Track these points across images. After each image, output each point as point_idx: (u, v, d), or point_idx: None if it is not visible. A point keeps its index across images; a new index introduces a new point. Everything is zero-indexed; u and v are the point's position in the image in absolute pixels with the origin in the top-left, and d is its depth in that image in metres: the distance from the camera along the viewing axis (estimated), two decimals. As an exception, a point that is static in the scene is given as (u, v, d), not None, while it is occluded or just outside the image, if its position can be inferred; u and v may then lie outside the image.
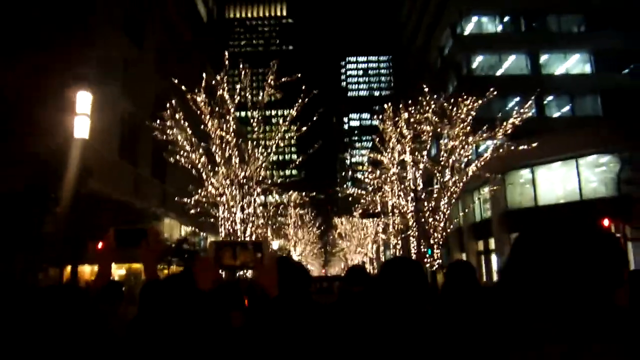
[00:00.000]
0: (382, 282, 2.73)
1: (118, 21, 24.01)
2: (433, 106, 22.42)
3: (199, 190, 20.47)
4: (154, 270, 2.36)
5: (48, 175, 17.03)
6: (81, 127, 12.35)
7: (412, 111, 23.04)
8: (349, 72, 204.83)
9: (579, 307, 1.17)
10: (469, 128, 21.76)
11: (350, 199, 37.85)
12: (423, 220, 22.35)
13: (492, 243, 30.28)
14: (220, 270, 2.23)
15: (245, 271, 14.97)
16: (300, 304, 2.60)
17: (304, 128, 21.30)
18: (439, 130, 22.68)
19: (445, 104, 22.37)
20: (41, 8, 20.78)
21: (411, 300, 2.58)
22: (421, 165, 23.12)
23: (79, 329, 1.53)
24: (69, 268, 13.83)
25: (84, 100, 12.63)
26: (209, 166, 19.98)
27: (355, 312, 3.00)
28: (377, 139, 25.93)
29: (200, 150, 19.91)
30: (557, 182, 27.61)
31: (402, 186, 23.93)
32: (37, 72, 20.16)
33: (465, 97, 21.98)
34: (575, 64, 38.51)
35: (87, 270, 18.70)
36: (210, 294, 2.15)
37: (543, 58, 38.35)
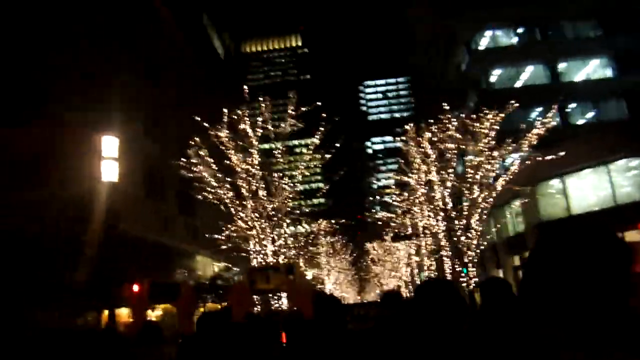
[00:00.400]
0: (416, 305, 2.69)
1: (138, 65, 24.58)
2: (455, 123, 22.32)
3: (229, 225, 20.57)
4: (188, 324, 2.34)
5: (79, 220, 17.30)
6: (109, 170, 12.58)
7: (434, 130, 22.95)
8: (368, 97, 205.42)
9: (594, 314, 1.15)
10: (493, 142, 21.56)
11: (380, 223, 37.66)
12: (455, 239, 22.07)
13: (528, 257, 29.64)
14: (254, 296, 2.21)
15: (281, 304, 14.91)
16: (335, 330, 2.56)
17: (328, 155, 21.37)
18: (463, 147, 22.53)
19: (466, 120, 22.24)
20: (62, 56, 21.37)
21: (446, 321, 2.53)
22: (448, 184, 22.92)
23: None
24: (106, 312, 13.97)
25: (109, 144, 12.91)
26: (237, 200, 20.09)
27: (390, 336, 2.96)
28: (402, 160, 25.83)
29: (227, 185, 20.05)
30: (588, 189, 27.08)
31: (431, 206, 23.72)
32: (62, 119, 20.68)
33: (486, 111, 21.84)
34: (595, 68, 38.03)
35: (125, 313, 18.82)
36: (248, 329, 2.13)
37: (561, 66, 37.98)
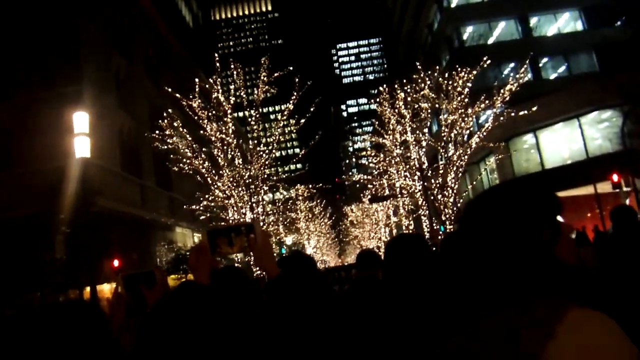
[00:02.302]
0: (387, 260, 2.73)
1: (106, 37, 24.00)
2: (428, 82, 22.32)
3: (207, 195, 20.51)
4: None
5: (55, 198, 17.10)
6: (81, 146, 12.37)
7: (408, 90, 22.94)
8: (341, 59, 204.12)
9: (519, 266, 1.18)
10: (466, 100, 21.64)
11: (357, 185, 37.79)
12: (432, 197, 22.30)
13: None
14: (218, 258, 2.18)
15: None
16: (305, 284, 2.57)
17: (302, 120, 21.26)
18: (437, 106, 22.59)
19: (440, 79, 22.25)
20: (28, 32, 20.81)
21: (417, 272, 2.56)
22: (424, 143, 23.05)
23: (92, 343, 1.51)
24: (88, 289, 13.92)
25: (81, 120, 12.66)
26: (213, 170, 19.99)
27: (369, 295, 2.99)
28: (377, 122, 25.85)
29: (203, 156, 19.92)
30: (561, 143, 27.50)
31: (408, 166, 23.87)
32: (31, 97, 20.26)
33: (459, 69, 21.86)
34: (566, 22, 38.13)
35: (106, 289, 18.81)
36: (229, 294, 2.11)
37: (533, 20, 37.99)
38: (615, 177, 20.36)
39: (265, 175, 21.33)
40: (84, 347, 1.44)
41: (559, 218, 1.27)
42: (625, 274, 3.72)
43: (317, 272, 3.15)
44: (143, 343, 1.11)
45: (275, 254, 2.28)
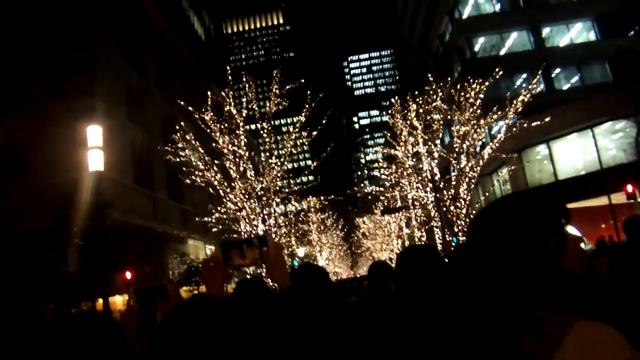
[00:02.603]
0: (398, 271, 2.73)
1: (117, 51, 24.25)
2: (440, 94, 22.29)
3: (219, 207, 20.56)
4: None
5: (68, 210, 17.23)
6: (95, 159, 12.47)
7: (420, 101, 22.92)
8: (352, 71, 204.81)
9: (526, 276, 1.18)
10: (479, 111, 21.58)
11: (369, 197, 37.73)
12: (444, 209, 22.19)
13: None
14: (230, 270, 2.18)
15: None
16: (316, 300, 2.56)
17: (314, 132, 21.31)
18: (449, 117, 22.55)
19: (452, 90, 22.22)
20: (42, 47, 21.10)
21: (428, 283, 2.56)
22: (436, 155, 22.98)
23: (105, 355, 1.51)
24: (100, 301, 13.97)
25: (94, 133, 12.78)
26: (225, 182, 20.05)
27: (380, 307, 2.99)
28: (389, 134, 25.83)
29: (215, 168, 19.99)
30: (574, 153, 27.29)
31: (420, 178, 23.80)
32: (45, 111, 20.49)
33: (471, 80, 21.82)
34: (578, 32, 38.01)
35: (119, 301, 18.86)
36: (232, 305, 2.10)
37: (545, 31, 37.92)
38: (629, 188, 20.14)
39: (277, 188, 21.36)
40: (99, 358, 1.45)
41: (569, 228, 1.27)
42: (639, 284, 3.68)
43: (328, 285, 3.14)
44: (153, 355, 1.11)
45: (287, 266, 2.28)
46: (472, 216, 22.26)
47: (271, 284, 15.78)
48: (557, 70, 36.27)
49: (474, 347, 1.17)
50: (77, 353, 1.43)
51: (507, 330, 1.12)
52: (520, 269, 1.19)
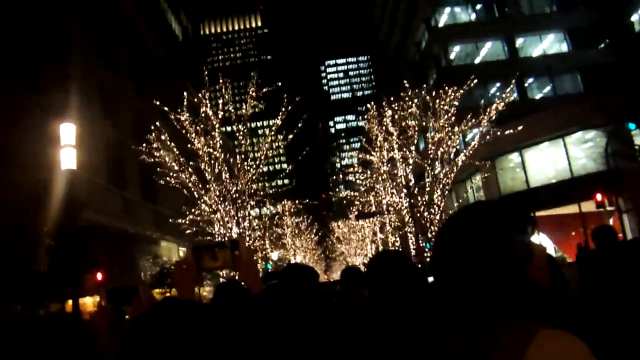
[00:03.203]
0: (370, 276, 2.75)
1: (91, 48, 23.92)
2: (415, 100, 22.47)
3: (193, 209, 20.39)
4: None
5: (38, 209, 16.92)
6: (68, 158, 12.28)
7: (396, 108, 23.07)
8: (329, 76, 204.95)
9: (483, 286, 1.18)
10: (453, 118, 21.80)
11: (344, 202, 37.80)
12: (418, 215, 22.35)
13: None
14: (203, 273, 2.19)
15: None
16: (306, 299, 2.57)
17: (290, 136, 21.30)
18: (424, 123, 22.75)
19: (427, 97, 22.42)
20: (14, 40, 20.70)
21: (399, 289, 2.58)
22: (410, 161, 23.13)
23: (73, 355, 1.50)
24: (70, 302, 13.74)
25: (68, 131, 12.58)
26: (200, 184, 19.90)
27: (352, 311, 3.01)
28: (364, 139, 25.94)
29: (190, 169, 19.82)
30: (546, 162, 27.75)
31: (394, 183, 23.94)
32: (16, 107, 20.08)
33: (446, 87, 22.05)
34: (551, 44, 38.75)
35: (89, 302, 18.56)
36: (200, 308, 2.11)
37: (519, 41, 38.56)
38: (598, 197, 20.56)
39: (252, 190, 21.27)
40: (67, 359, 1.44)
41: (536, 238, 1.29)
42: (607, 291, 3.77)
43: (318, 285, 3.16)
44: (122, 357, 1.11)
45: (259, 270, 2.30)
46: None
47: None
48: (530, 79, 36.92)
49: (440, 356, 1.18)
50: (44, 355, 1.41)
51: (472, 340, 1.13)
52: (487, 279, 1.18)
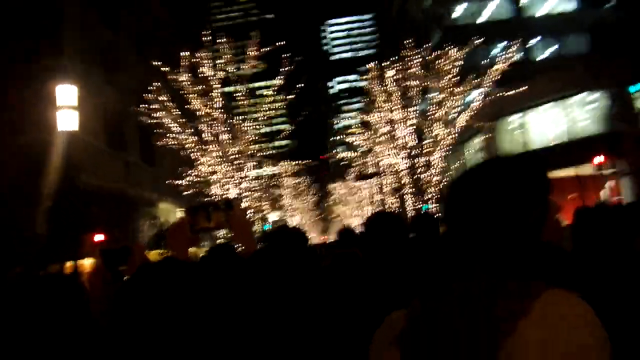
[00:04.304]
0: (364, 236, 2.82)
1: (92, 9, 23.57)
2: (418, 60, 22.22)
3: (191, 171, 20.40)
4: None
5: (37, 171, 16.94)
6: (67, 119, 12.16)
7: (398, 68, 22.83)
8: (331, 35, 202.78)
9: (496, 244, 1.18)
10: (455, 79, 21.59)
11: (341, 164, 37.88)
12: (417, 176, 22.35)
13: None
14: (197, 234, 2.20)
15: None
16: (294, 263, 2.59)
17: (290, 97, 21.15)
18: (425, 84, 22.54)
19: (429, 57, 22.15)
20: (10, 2, 20.39)
21: (390, 248, 2.62)
22: (411, 122, 23.00)
23: (71, 317, 1.53)
24: (69, 264, 13.84)
25: (66, 92, 12.42)
26: (199, 146, 19.87)
27: (347, 270, 3.06)
28: (365, 100, 25.78)
29: (189, 131, 19.77)
30: (548, 124, 27.59)
31: (394, 144, 23.85)
32: (13, 68, 19.91)
33: (449, 47, 21.76)
34: (557, 2, 38.03)
35: (88, 264, 18.72)
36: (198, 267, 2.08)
37: (524, 0, 37.87)
38: (598, 159, 20.49)
39: (252, 151, 21.26)
40: (61, 318, 1.46)
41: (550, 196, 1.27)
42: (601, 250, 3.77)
43: (305, 247, 3.17)
44: (117, 314, 1.10)
45: (254, 230, 2.30)
46: (444, 184, 22.49)
47: (239, 249, 15.89)
48: (535, 40, 36.35)
49: (445, 304, 1.16)
50: (40, 313, 1.44)
51: (480, 292, 1.12)
52: (499, 237, 1.18)
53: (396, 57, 23.24)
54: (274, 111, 21.76)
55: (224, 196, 19.32)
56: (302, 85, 21.58)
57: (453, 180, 1.38)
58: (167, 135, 19.76)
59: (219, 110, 19.83)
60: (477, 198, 1.23)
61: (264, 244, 2.29)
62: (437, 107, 21.87)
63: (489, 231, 1.19)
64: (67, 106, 12.09)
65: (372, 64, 24.45)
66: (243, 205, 17.76)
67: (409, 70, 22.29)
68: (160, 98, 19.41)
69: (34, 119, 18.11)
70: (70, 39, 21.07)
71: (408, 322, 1.21)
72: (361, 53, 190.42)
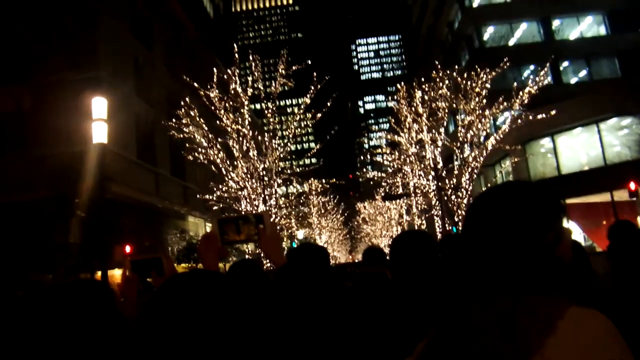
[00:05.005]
0: (392, 255, 2.77)
1: (126, 24, 24.11)
2: (446, 82, 22.18)
3: (220, 186, 20.56)
4: None
5: (70, 182, 17.26)
6: (99, 132, 12.43)
7: (426, 89, 22.81)
8: (360, 55, 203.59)
9: (521, 262, 1.20)
10: (484, 101, 21.48)
11: (371, 182, 37.74)
12: (445, 198, 22.19)
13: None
14: (226, 247, 2.20)
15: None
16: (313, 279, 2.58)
17: (319, 115, 21.23)
18: (454, 105, 22.46)
19: (458, 79, 22.10)
20: (50, 14, 20.96)
21: (422, 270, 2.58)
22: (439, 143, 22.92)
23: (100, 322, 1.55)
24: (99, 273, 14.03)
25: (99, 105, 12.70)
26: (228, 161, 20.04)
27: (373, 290, 3.01)
28: (393, 120, 25.75)
29: (218, 146, 19.97)
30: (579, 148, 27.18)
31: (422, 165, 23.76)
32: (50, 79, 20.43)
33: (478, 69, 21.69)
34: (589, 26, 37.66)
35: (117, 274, 18.95)
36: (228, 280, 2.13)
37: (555, 23, 37.58)
38: (632, 185, 20.11)
39: (280, 168, 21.35)
40: (91, 323, 1.47)
41: (565, 223, 1.30)
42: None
43: (328, 264, 3.15)
44: (145, 324, 1.13)
45: (283, 245, 2.32)
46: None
47: (268, 264, 15.86)
48: (566, 63, 36.01)
49: (465, 326, 1.18)
50: (69, 317, 1.45)
51: (501, 312, 1.13)
52: (517, 257, 1.20)
53: (424, 78, 23.24)
54: (302, 129, 21.86)
55: (253, 212, 19.41)
56: (331, 103, 21.61)
57: (473, 201, 1.42)
58: (197, 149, 19.98)
59: (248, 127, 20.00)
60: (491, 221, 1.27)
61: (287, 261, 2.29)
62: (466, 129, 21.75)
63: (504, 251, 1.22)
64: (99, 119, 12.37)
65: (400, 85, 24.48)
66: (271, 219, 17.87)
67: (438, 92, 22.24)
68: (191, 112, 19.67)
69: (69, 130, 18.53)
70: (105, 52, 21.57)
71: (425, 350, 1.23)
72: (389, 73, 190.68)
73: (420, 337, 1.31)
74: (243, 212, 19.70)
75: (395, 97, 24.72)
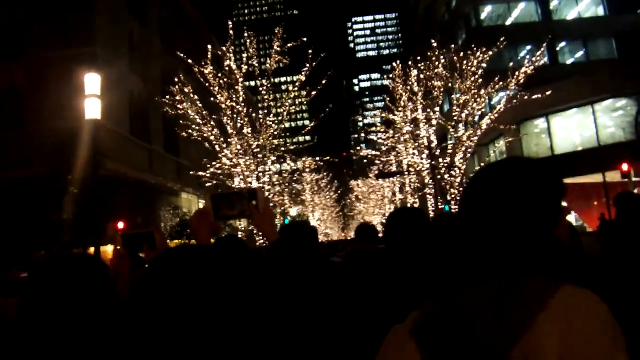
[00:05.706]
0: (386, 231, 2.77)
1: (121, 0, 23.83)
2: (442, 60, 22.08)
3: (213, 163, 20.53)
4: None
5: (64, 158, 17.19)
6: (92, 108, 12.34)
7: (422, 67, 22.72)
8: (356, 33, 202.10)
9: (518, 243, 1.19)
10: (480, 80, 21.42)
11: (365, 160, 37.76)
12: (439, 177, 22.24)
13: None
14: (219, 222, 2.22)
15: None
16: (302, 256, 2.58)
17: (314, 92, 21.12)
18: (450, 84, 22.40)
19: (454, 58, 22.00)
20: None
21: (415, 246, 2.58)
22: (434, 122, 22.90)
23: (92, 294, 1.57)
24: (92, 249, 14.04)
25: (92, 81, 12.58)
26: (222, 138, 19.97)
27: (363, 266, 3.02)
28: (388, 98, 25.68)
29: (212, 122, 19.88)
30: (573, 129, 27.23)
31: (416, 144, 23.77)
32: (44, 56, 20.22)
33: (475, 48, 21.59)
34: (587, 6, 37.43)
35: (110, 250, 18.97)
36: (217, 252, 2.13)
37: (553, 3, 37.34)
38: (624, 167, 20.19)
39: (273, 146, 21.31)
40: (85, 294, 1.50)
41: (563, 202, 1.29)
42: (630, 259, 3.74)
43: (316, 241, 3.16)
44: (138, 297, 1.13)
45: (275, 220, 2.33)
46: (465, 185, 22.27)
47: (261, 240, 15.88)
48: (562, 43, 35.85)
49: (457, 305, 1.17)
50: (63, 288, 1.48)
51: (493, 290, 1.13)
52: (513, 236, 1.19)
53: (420, 57, 23.13)
54: (296, 106, 21.78)
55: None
56: (326, 81, 21.48)
57: (470, 178, 1.40)
58: (191, 126, 19.90)
59: (242, 103, 19.90)
60: (492, 195, 1.25)
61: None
62: (461, 108, 21.72)
63: (502, 230, 1.20)
64: (92, 94, 12.27)
65: (396, 63, 24.37)
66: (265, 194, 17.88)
67: (434, 71, 22.16)
68: (185, 89, 19.55)
69: (64, 107, 18.41)
70: (99, 29, 21.34)
71: (422, 320, 1.21)
72: (385, 51, 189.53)
73: (408, 308, 1.30)
74: (236, 189, 19.70)
75: (391, 76, 24.61)
